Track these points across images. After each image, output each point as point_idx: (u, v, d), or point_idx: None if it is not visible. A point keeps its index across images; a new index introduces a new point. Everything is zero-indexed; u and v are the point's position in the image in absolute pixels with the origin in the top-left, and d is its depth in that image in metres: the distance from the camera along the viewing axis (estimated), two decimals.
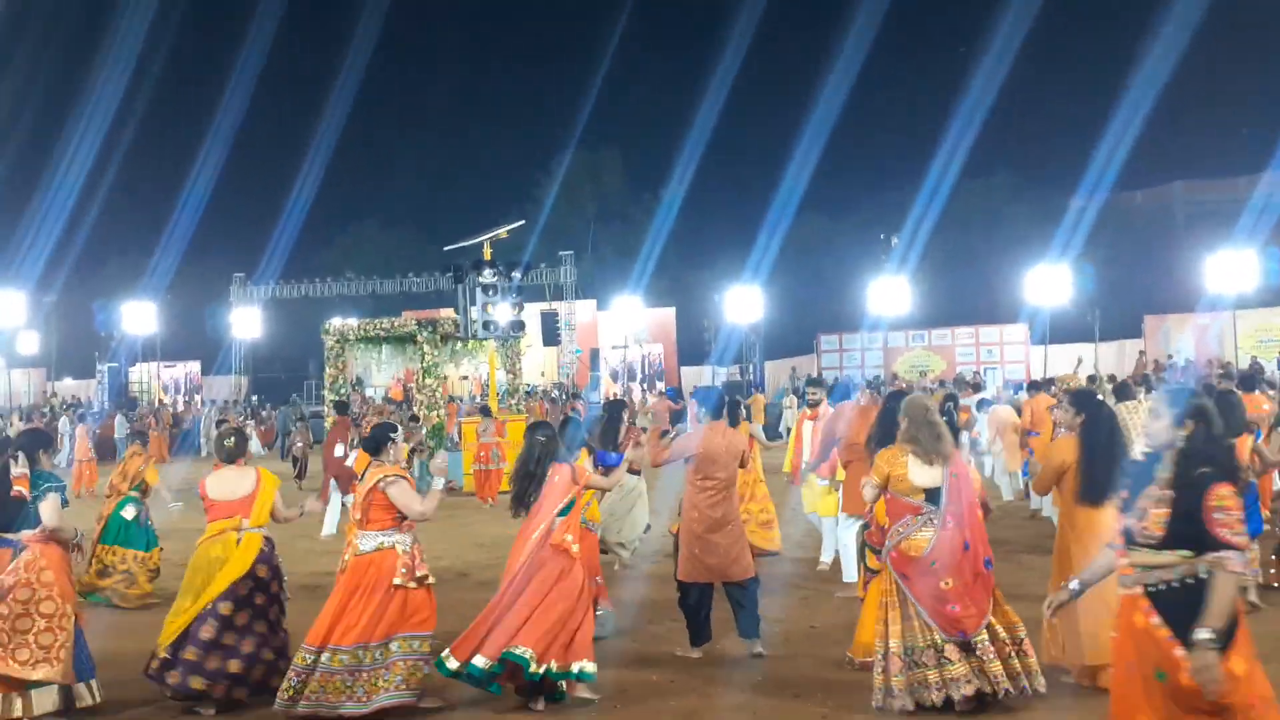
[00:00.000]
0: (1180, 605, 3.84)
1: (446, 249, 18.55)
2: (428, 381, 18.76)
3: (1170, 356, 28.85)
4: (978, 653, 5.73)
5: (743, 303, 32.32)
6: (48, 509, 5.99)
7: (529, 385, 26.21)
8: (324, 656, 5.93)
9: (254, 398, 34.01)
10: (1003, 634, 5.82)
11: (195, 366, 36.47)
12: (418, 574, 6.06)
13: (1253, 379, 12.97)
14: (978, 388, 19.52)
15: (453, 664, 6.04)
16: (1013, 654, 5.80)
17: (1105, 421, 6.52)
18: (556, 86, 63.75)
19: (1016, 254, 33.69)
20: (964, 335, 33.25)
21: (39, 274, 33.83)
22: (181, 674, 6.14)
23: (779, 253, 34.95)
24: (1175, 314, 31.64)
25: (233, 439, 6.90)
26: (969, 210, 41.08)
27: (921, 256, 34.72)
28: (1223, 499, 3.86)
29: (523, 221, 21.50)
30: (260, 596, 6.42)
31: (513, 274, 16.45)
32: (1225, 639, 3.77)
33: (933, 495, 5.83)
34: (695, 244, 44.60)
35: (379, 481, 6.18)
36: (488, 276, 15.95)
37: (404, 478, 6.26)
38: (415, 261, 35.75)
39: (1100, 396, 6.94)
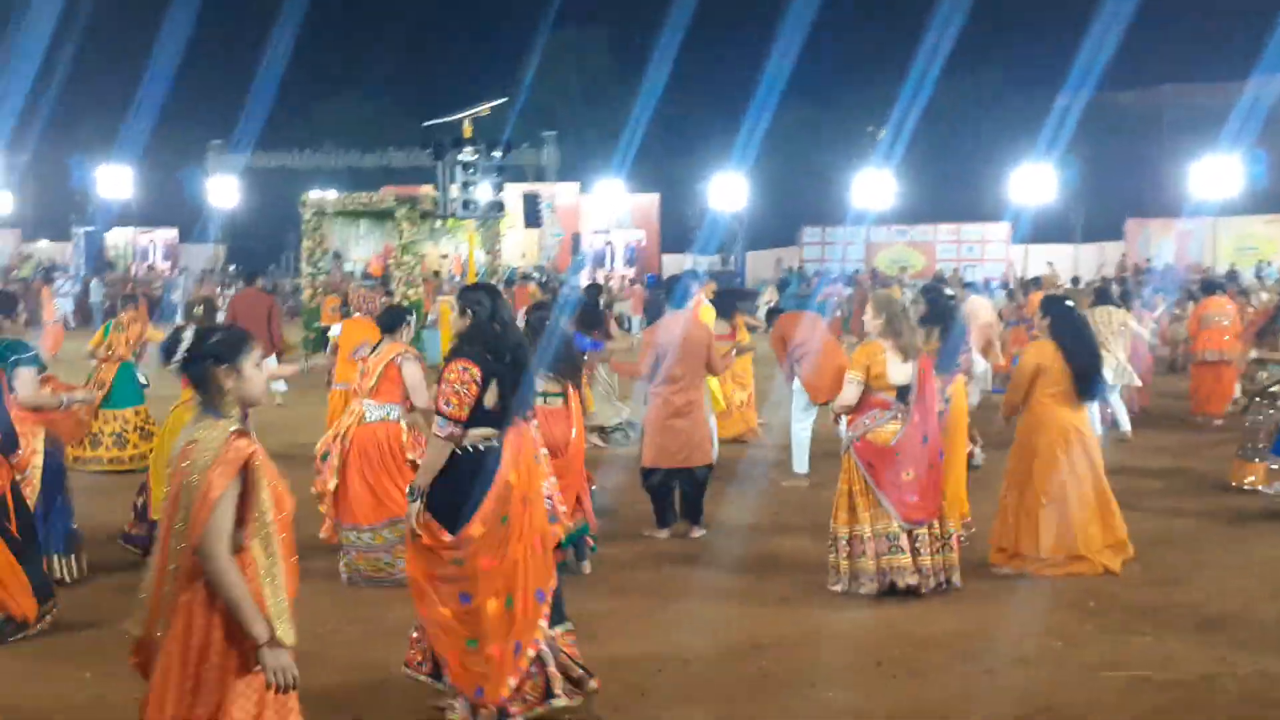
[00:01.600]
0: None
1: (426, 124, 18.19)
2: (405, 259, 18.70)
3: (1149, 260, 29.03)
4: (916, 544, 6.00)
5: (727, 190, 32.10)
6: (21, 383, 5.66)
7: (510, 267, 26.12)
8: (364, 535, 6.21)
9: (230, 267, 33.78)
10: (937, 529, 6.10)
11: (173, 233, 36.08)
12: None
13: (1213, 284, 13.36)
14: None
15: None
16: (941, 549, 6.10)
17: (1076, 320, 6.70)
18: None
19: (1002, 151, 33.49)
20: (946, 232, 33.26)
21: (9, 132, 33.04)
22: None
23: (764, 141, 34.48)
24: (1158, 219, 31.71)
25: (200, 307, 6.92)
26: (955, 106, 40.55)
27: (906, 151, 34.39)
28: None
29: (506, 99, 21.06)
30: None
31: (494, 153, 16.11)
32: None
33: (903, 392, 5.99)
34: (681, 129, 43.94)
35: (396, 356, 6.33)
36: (468, 154, 15.63)
37: (419, 360, 6.44)
38: (396, 135, 35.11)
39: (1070, 301, 7.06)
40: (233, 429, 3.04)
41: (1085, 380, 6.51)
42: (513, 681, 4.22)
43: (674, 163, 40.98)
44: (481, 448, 4.30)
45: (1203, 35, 43.52)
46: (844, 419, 6.22)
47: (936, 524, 6.06)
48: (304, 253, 19.87)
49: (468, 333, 4.47)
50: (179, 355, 3.14)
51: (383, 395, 6.32)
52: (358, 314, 9.43)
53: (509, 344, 4.42)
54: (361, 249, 24.52)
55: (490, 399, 4.30)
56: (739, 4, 46.97)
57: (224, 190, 34.74)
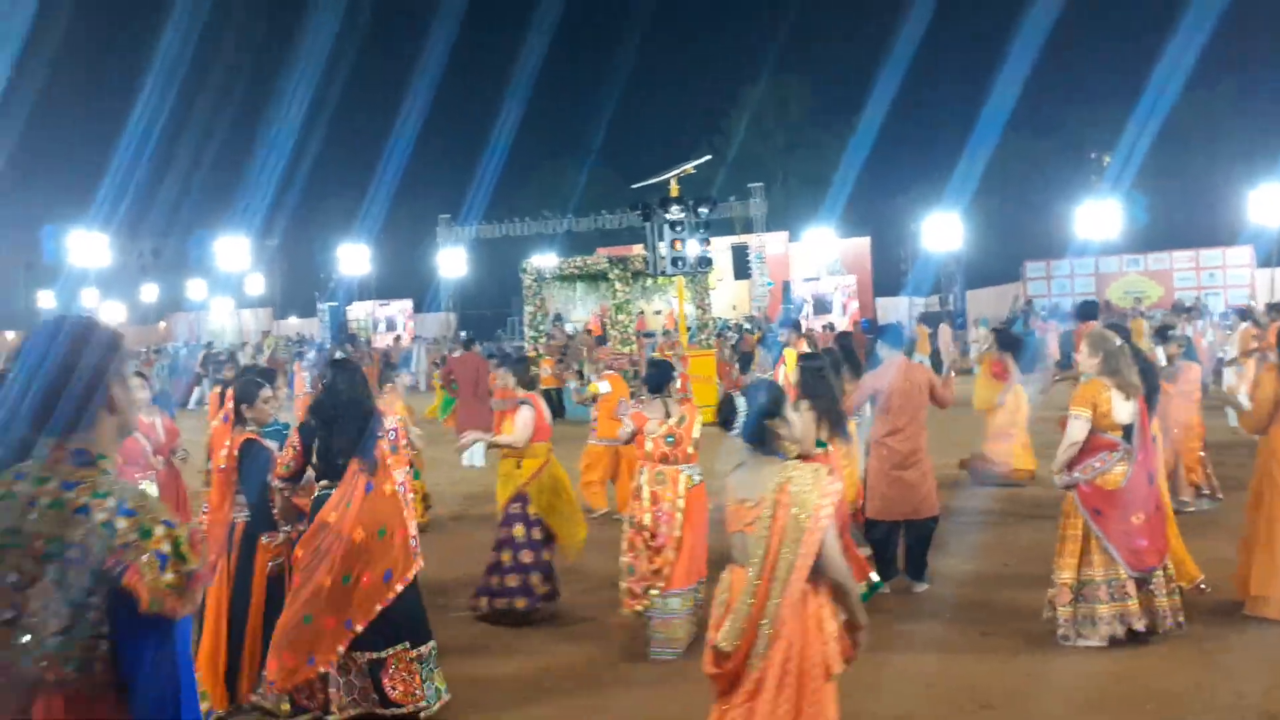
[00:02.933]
0: None
1: (634, 186, 18.81)
2: (620, 317, 19.26)
3: None
4: (1151, 587, 5.76)
5: (941, 230, 31.38)
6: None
7: (721, 320, 26.40)
8: (671, 601, 6.18)
9: (462, 333, 35.66)
10: (1171, 569, 5.85)
11: (408, 304, 38.46)
12: None
13: None
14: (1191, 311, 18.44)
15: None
16: (1174, 590, 5.84)
17: None
18: (744, 16, 62.75)
19: (1239, 170, 31.32)
20: (1183, 259, 31.22)
21: (261, 220, 36.33)
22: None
23: (980, 177, 33.63)
24: None
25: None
26: (1186, 125, 38.27)
27: (1134, 175, 32.70)
28: None
29: (710, 156, 21.54)
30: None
31: (700, 209, 16.54)
32: None
33: (1128, 431, 5.78)
34: (889, 171, 43.49)
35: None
36: (675, 213, 16.10)
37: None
38: (608, 199, 36.36)
39: None
40: (822, 469, 3.67)
41: None
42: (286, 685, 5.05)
43: (884, 205, 40.55)
44: (319, 494, 5.26)
45: None
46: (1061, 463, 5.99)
47: (1169, 564, 5.81)
48: (526, 317, 20.81)
49: (310, 403, 5.49)
50: (736, 423, 3.73)
51: (695, 458, 6.35)
52: (609, 371, 9.73)
53: (337, 411, 5.27)
54: (580, 310, 25.46)
55: (315, 456, 5.29)
56: (940, 43, 46.20)
57: (453, 261, 36.81)
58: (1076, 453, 5.82)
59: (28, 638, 2.04)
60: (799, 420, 3.82)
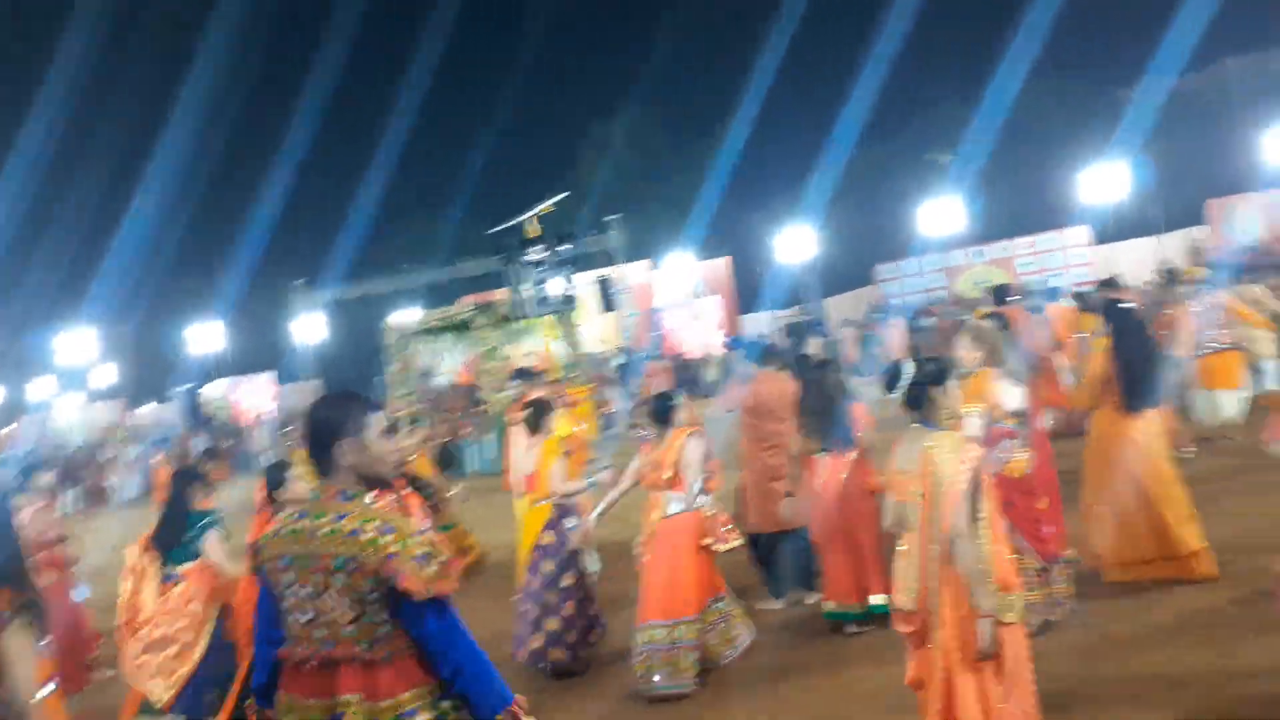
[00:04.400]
0: None
1: (490, 231, 18.67)
2: (489, 365, 19.04)
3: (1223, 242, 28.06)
4: (1052, 575, 5.81)
5: (794, 242, 32.05)
6: (212, 546, 6.02)
7: (591, 354, 26.32)
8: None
9: None
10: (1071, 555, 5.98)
11: (270, 377, 37.26)
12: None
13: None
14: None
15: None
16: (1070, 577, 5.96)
17: (1135, 329, 6.50)
18: (591, 52, 63.38)
19: (1067, 155, 32.89)
20: (1023, 245, 32.60)
21: (113, 308, 34.85)
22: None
23: (828, 187, 34.52)
24: (1239, 194, 30.71)
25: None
26: (1016, 118, 40.05)
27: (971, 171, 34.05)
28: None
29: (567, 194, 21.52)
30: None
31: (560, 247, 16.53)
32: None
33: (1021, 416, 5.86)
34: (743, 191, 44.20)
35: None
36: (535, 253, 16.07)
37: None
38: (467, 246, 35.95)
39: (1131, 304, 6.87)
40: (966, 436, 3.95)
41: (1131, 389, 6.32)
42: None
43: (740, 224, 41.15)
44: None
45: (1254, 3, 42.52)
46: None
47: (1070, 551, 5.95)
48: (389, 376, 20.37)
49: None
50: (899, 384, 3.97)
51: (679, 485, 6.12)
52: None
53: None
54: (449, 362, 25.06)
55: None
56: (786, 63, 47.38)
57: (310, 326, 35.85)
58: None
59: (324, 631, 2.85)
60: (954, 393, 4.01)
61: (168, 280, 41.82)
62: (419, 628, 2.84)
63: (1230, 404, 9.92)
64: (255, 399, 35.42)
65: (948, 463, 3.79)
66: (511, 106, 58.53)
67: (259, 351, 39.73)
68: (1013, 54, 30.55)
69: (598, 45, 62.80)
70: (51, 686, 3.58)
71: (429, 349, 24.22)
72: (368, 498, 2.96)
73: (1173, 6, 25.07)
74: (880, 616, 6.04)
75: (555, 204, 17.63)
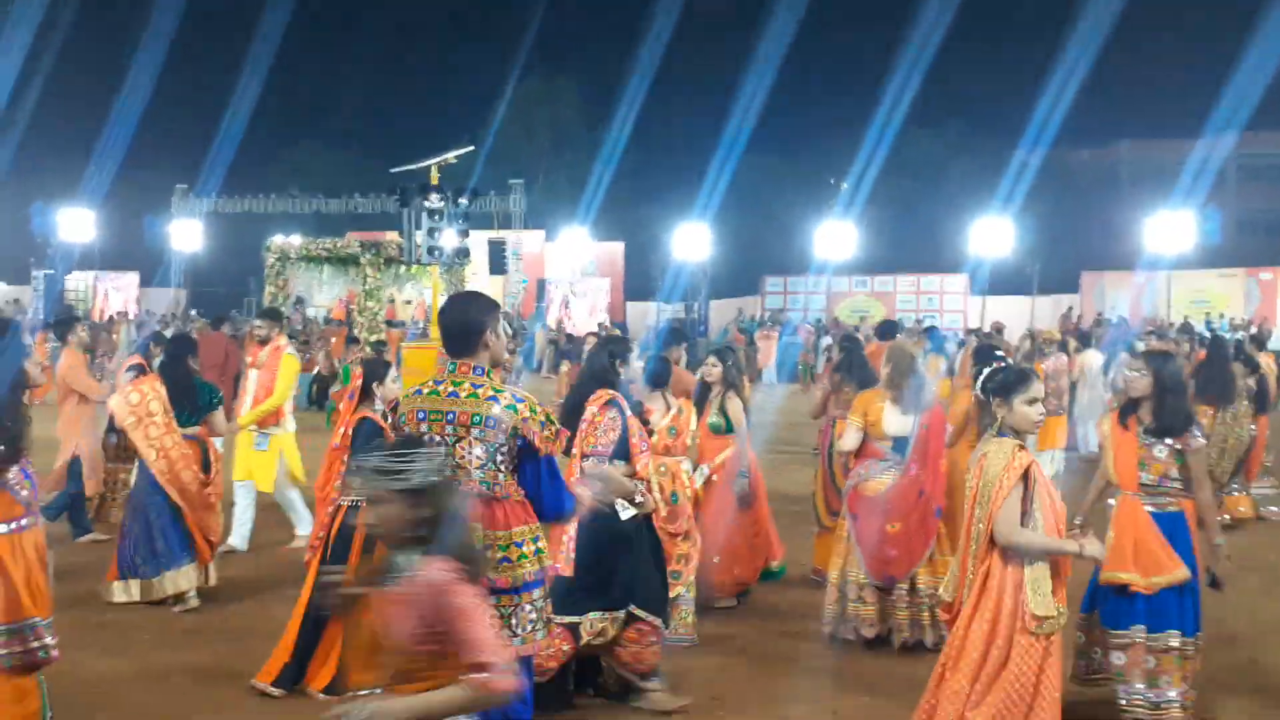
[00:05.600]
0: None
1: (393, 171, 18.28)
2: (368, 304, 18.72)
3: (1099, 315, 29.54)
4: (892, 598, 5.95)
5: (691, 240, 32.34)
6: (220, 419, 7.01)
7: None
8: None
9: (192, 312, 33.53)
10: (925, 587, 5.93)
11: (134, 278, 35.78)
12: None
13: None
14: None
15: None
16: (930, 605, 5.90)
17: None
18: (513, 8, 62.61)
19: (961, 205, 33.99)
20: (906, 283, 33.65)
21: None
22: None
23: (728, 192, 34.86)
24: (1113, 271, 32.30)
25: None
26: (916, 159, 41.27)
27: (867, 202, 34.90)
28: None
29: (472, 147, 21.24)
30: None
31: (459, 200, 16.26)
32: None
33: (899, 444, 5.99)
34: (646, 179, 44.33)
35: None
36: (434, 201, 15.75)
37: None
38: (362, 183, 35.15)
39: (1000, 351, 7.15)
40: (1016, 443, 4.03)
41: None
42: None
43: (639, 212, 41.26)
44: None
45: (1158, 93, 44.71)
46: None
47: (926, 581, 5.92)
48: (266, 298, 19.81)
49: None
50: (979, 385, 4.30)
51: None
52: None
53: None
54: (325, 294, 24.51)
55: None
56: (706, 56, 47.72)
57: (187, 234, 34.54)
58: (850, 458, 6.18)
59: (454, 470, 3.42)
60: (1029, 411, 4.12)
61: (34, 157, 39.69)
62: (534, 475, 3.64)
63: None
64: (118, 296, 33.94)
65: (995, 467, 3.98)
66: (425, 53, 57.54)
67: (127, 249, 38.06)
68: (920, 98, 31.39)
69: (518, 6, 62.05)
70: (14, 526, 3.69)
71: (307, 277, 23.67)
72: (497, 376, 3.75)
73: (1078, 82, 26.14)
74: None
75: (459, 156, 17.39)
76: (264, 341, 8.30)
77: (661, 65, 32.00)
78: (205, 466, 6.72)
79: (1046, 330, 14.21)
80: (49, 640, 3.71)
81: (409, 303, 24.78)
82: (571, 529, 4.83)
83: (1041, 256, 32.07)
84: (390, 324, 21.44)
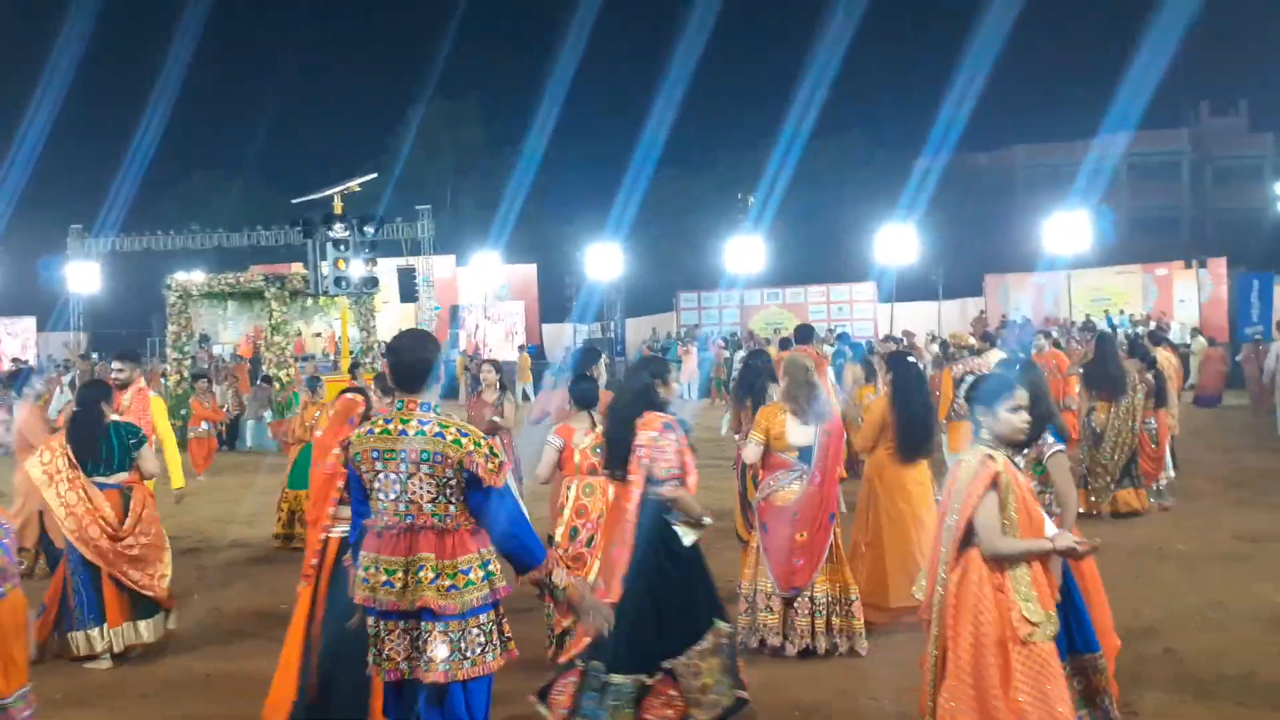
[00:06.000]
0: None
1: (295, 201, 17.93)
2: (276, 339, 18.30)
3: (1004, 315, 30.25)
4: (794, 606, 6.04)
5: (603, 260, 32.37)
6: (149, 458, 6.65)
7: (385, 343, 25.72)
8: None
9: (93, 355, 32.48)
10: (822, 595, 6.06)
11: (30, 322, 34.58)
12: None
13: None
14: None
15: None
16: (836, 613, 6.10)
17: (914, 382, 6.85)
18: (412, 35, 62.18)
19: (866, 213, 34.57)
20: (816, 294, 34.09)
21: None
22: None
23: (639, 210, 35.06)
24: (1014, 273, 33.12)
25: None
26: (821, 170, 41.95)
27: (776, 215, 35.36)
28: None
29: (376, 175, 20.95)
30: None
31: (365, 228, 16.01)
32: None
33: (805, 453, 6.06)
34: (556, 200, 44.38)
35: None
36: (338, 231, 15.49)
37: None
38: (264, 215, 34.47)
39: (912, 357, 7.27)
40: (986, 452, 4.05)
41: (908, 438, 6.64)
42: None
43: (550, 233, 41.22)
44: None
45: (1051, 98, 46.19)
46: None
47: (827, 589, 6.06)
48: (169, 337, 19.25)
49: None
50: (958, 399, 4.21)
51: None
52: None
53: None
54: (230, 331, 23.93)
55: None
56: (609, 76, 48.01)
57: (85, 275, 33.49)
58: (759, 470, 6.22)
59: (406, 506, 3.70)
60: (1011, 419, 4.12)
61: None
62: (482, 505, 3.73)
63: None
64: (14, 342, 32.76)
65: (965, 475, 4.03)
66: (328, 80, 56.85)
67: (20, 294, 36.77)
68: (823, 110, 31.92)
69: (420, 27, 61.67)
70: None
71: (211, 314, 23.09)
72: (441, 411, 3.90)
73: (977, 88, 26.80)
74: None
75: (362, 184, 17.09)
76: (124, 386, 7.79)
77: (567, 84, 32.06)
78: (127, 512, 6.42)
79: (957, 334, 14.45)
80: (26, 714, 3.66)
81: (318, 335, 24.32)
82: (623, 560, 4.74)
83: (945, 261, 32.73)
84: (299, 359, 21.01)
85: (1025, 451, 4.64)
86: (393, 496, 3.73)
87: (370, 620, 3.77)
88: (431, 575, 3.68)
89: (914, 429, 6.63)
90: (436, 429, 3.74)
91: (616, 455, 5.00)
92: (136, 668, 6.36)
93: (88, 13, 31.41)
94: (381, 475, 3.75)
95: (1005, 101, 40.20)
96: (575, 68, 31.77)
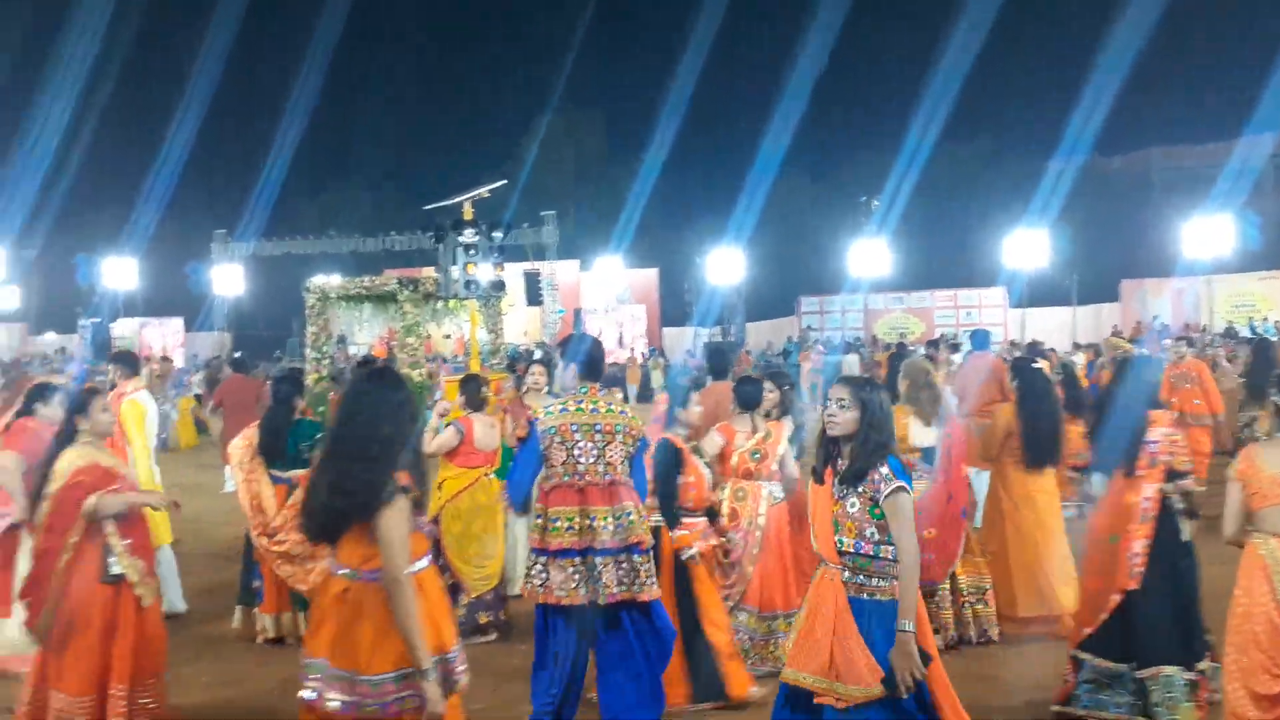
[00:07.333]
0: None
1: (427, 208, 18.50)
2: (408, 340, 18.89)
3: (1138, 322, 29.21)
4: (935, 599, 6.07)
5: (724, 264, 32.45)
6: None
7: (512, 345, 26.30)
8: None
9: (236, 354, 33.97)
10: (964, 585, 6.21)
11: (178, 323, 36.40)
12: None
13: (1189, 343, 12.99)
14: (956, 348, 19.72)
15: None
16: (971, 603, 6.23)
17: (1042, 390, 6.76)
18: (539, 46, 63.30)
19: (995, 218, 33.85)
20: (943, 298, 33.49)
21: (18, 228, 33.59)
22: None
23: (760, 214, 35.00)
24: (1152, 279, 31.98)
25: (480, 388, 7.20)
26: (949, 174, 41.20)
27: (901, 219, 34.87)
28: None
29: (504, 181, 21.46)
30: None
31: (494, 233, 16.36)
32: None
33: (928, 454, 6.14)
34: (677, 205, 44.61)
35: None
36: (468, 236, 15.88)
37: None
38: (398, 221, 35.68)
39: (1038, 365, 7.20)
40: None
41: (1034, 447, 6.55)
42: None
43: (672, 238, 41.48)
44: None
45: (1190, 99, 44.40)
46: None
47: (965, 580, 6.23)
48: (308, 338, 20.06)
49: None
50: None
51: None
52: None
53: None
54: (366, 333, 24.76)
55: None
56: (732, 82, 48.05)
57: (229, 278, 35.16)
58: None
59: (604, 467, 4.79)
60: None
61: (81, 209, 40.59)
62: (641, 466, 4.91)
63: None
64: (163, 342, 34.50)
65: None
66: (456, 92, 58.29)
67: (169, 295, 38.78)
68: (941, 112, 31.41)
69: (546, 37, 62.67)
70: (425, 562, 3.54)
71: (347, 316, 23.92)
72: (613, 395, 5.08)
73: (1110, 91, 26.04)
74: None
75: (492, 191, 17.53)
76: (111, 387, 7.16)
77: (689, 92, 32.29)
78: None
79: (1115, 341, 13.98)
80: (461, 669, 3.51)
81: (448, 337, 24.98)
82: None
83: (1079, 266, 31.79)
84: (428, 359, 21.63)
85: (859, 488, 3.81)
86: (591, 460, 4.75)
87: (575, 560, 4.67)
88: (636, 518, 4.77)
89: (1041, 438, 6.57)
90: (620, 409, 4.88)
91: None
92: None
93: (229, 31, 33.02)
94: (581, 444, 4.74)
95: (1139, 104, 38.74)
96: (697, 75, 32.02)
